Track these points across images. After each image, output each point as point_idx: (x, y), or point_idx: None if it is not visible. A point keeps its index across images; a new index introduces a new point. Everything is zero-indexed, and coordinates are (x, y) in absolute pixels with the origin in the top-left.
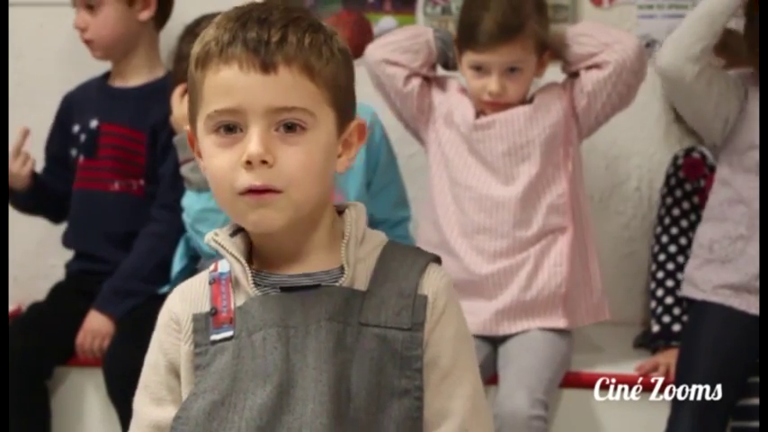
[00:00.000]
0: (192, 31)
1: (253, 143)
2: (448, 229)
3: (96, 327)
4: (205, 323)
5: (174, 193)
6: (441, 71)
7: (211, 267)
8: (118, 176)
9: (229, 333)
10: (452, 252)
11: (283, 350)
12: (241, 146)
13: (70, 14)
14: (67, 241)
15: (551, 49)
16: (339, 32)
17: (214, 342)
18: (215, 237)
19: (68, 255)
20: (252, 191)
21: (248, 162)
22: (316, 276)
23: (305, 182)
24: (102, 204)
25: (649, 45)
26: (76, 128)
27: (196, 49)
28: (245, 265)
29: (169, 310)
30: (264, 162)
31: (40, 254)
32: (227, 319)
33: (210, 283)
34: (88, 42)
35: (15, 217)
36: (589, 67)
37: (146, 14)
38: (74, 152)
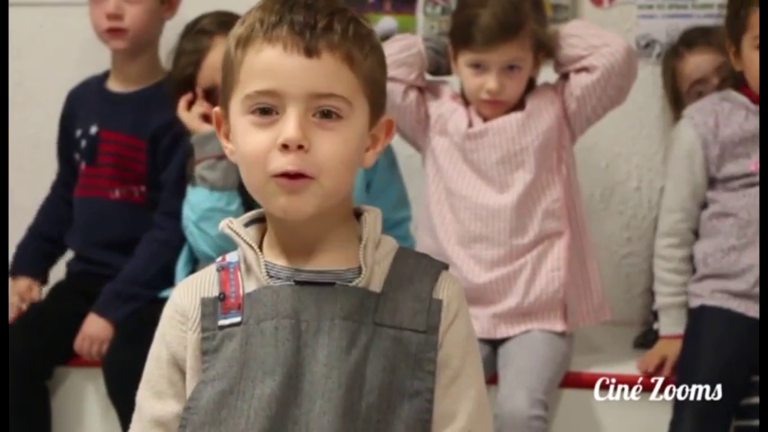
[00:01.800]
0: (191, 29)
1: (290, 127)
2: (445, 238)
3: (95, 331)
4: (213, 308)
5: (178, 199)
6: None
7: (219, 258)
8: (118, 183)
9: (237, 319)
10: (450, 261)
11: (294, 343)
12: (277, 128)
13: (70, 14)
14: (70, 242)
15: (546, 49)
16: None
17: (222, 327)
18: (230, 224)
19: (69, 254)
20: (285, 175)
21: (284, 146)
22: (330, 274)
23: (337, 170)
24: (102, 212)
25: (649, 45)
26: (78, 132)
27: (238, 30)
28: (259, 253)
29: (174, 302)
30: (300, 147)
31: None
32: (235, 305)
33: (219, 270)
34: (117, 32)
35: (15, 216)
36: (578, 70)
37: (169, 14)
38: (77, 157)
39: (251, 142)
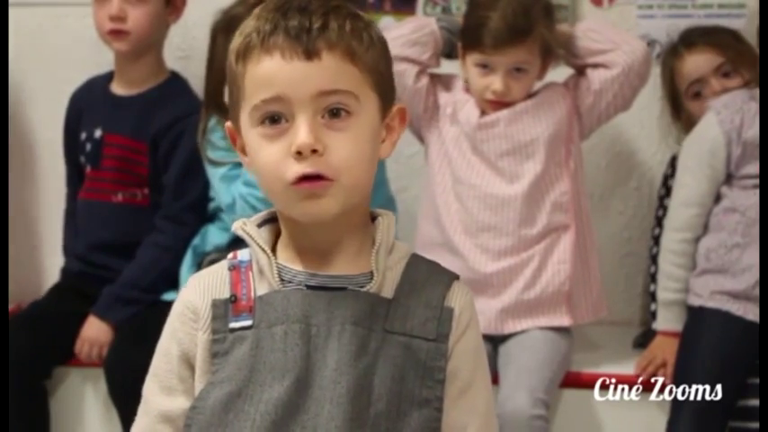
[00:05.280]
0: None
1: (302, 133)
2: (451, 227)
3: (94, 335)
4: (224, 310)
5: (178, 202)
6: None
7: (230, 255)
8: (120, 187)
9: (248, 322)
10: (456, 251)
11: (304, 348)
12: (288, 136)
13: (70, 14)
14: (71, 246)
15: (556, 45)
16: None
17: (233, 330)
18: (243, 226)
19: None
20: (305, 179)
21: (298, 152)
22: (342, 279)
23: (356, 168)
24: (105, 215)
25: (649, 45)
26: (83, 136)
27: (236, 42)
28: (272, 257)
29: (185, 299)
30: (314, 151)
31: (40, 253)
32: (246, 308)
33: (230, 270)
34: (120, 33)
35: (15, 216)
36: (596, 66)
37: (173, 18)
38: (82, 160)
39: (265, 155)
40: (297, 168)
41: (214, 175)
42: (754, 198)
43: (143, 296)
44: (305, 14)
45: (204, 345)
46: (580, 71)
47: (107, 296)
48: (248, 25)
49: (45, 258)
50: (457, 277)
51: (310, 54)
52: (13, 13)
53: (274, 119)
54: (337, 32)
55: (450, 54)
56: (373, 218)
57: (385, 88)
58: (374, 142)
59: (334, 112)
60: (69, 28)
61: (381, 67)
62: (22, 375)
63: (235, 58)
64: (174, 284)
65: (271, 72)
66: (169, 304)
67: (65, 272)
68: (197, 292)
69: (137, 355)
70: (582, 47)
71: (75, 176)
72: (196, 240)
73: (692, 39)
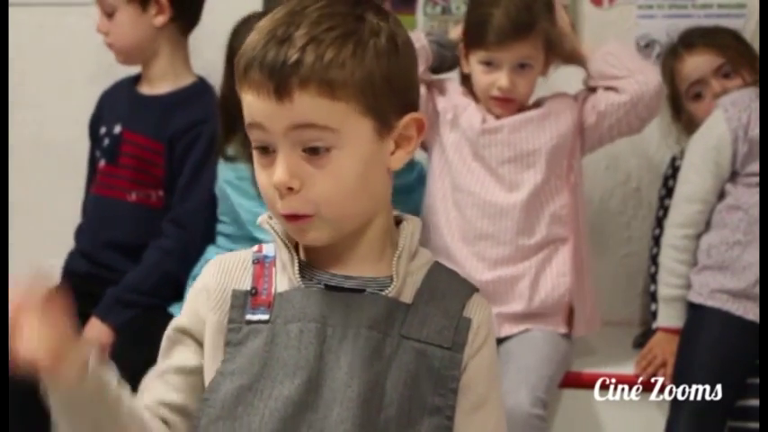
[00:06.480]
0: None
1: (278, 171)
2: (448, 234)
3: (95, 337)
4: (243, 301)
5: (188, 205)
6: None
7: (255, 248)
8: (135, 186)
9: (265, 317)
10: (452, 258)
11: (318, 347)
12: (274, 168)
13: (70, 14)
14: (79, 241)
15: (573, 60)
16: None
17: (249, 322)
18: (269, 220)
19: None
20: (285, 216)
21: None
22: (362, 281)
23: (337, 202)
24: (117, 214)
25: (649, 45)
26: (103, 130)
27: (240, 51)
28: (294, 254)
29: (203, 281)
30: (291, 189)
31: (40, 254)
32: (265, 303)
33: (254, 263)
34: (110, 46)
35: (15, 216)
36: (608, 89)
37: (160, 19)
38: (97, 154)
39: (258, 180)
40: (279, 205)
41: (248, 209)
42: (758, 196)
43: (143, 299)
44: (283, 46)
45: (214, 326)
46: (592, 89)
47: (108, 298)
48: (247, 42)
49: (46, 259)
50: (477, 290)
51: (281, 95)
52: (13, 13)
53: (264, 148)
54: (311, 67)
55: (438, 69)
56: (399, 222)
57: (384, 104)
58: (365, 168)
59: (313, 149)
60: (69, 28)
61: (375, 82)
62: (23, 375)
63: (235, 70)
64: (180, 293)
65: (250, 104)
66: (172, 316)
67: (69, 272)
68: (216, 276)
69: (138, 358)
70: (597, 70)
71: (94, 174)
72: (196, 270)
73: (692, 39)
